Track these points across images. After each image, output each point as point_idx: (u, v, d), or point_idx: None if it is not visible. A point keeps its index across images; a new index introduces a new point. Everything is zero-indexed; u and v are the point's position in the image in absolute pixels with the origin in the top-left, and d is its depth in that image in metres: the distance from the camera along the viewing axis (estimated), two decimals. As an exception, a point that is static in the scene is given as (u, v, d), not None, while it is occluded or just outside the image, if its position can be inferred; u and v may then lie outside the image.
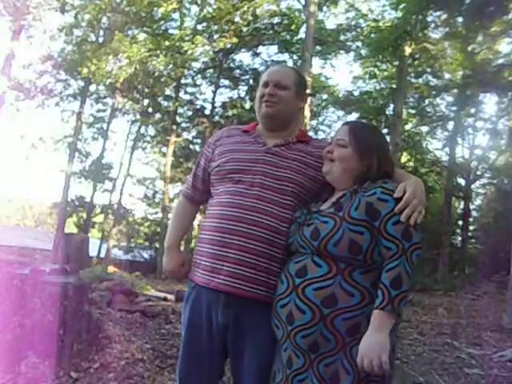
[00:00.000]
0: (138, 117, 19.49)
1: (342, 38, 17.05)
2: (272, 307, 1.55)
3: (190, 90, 19.66)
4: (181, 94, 18.93)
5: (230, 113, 18.51)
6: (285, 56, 18.32)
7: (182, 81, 18.33)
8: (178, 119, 19.45)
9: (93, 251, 14.21)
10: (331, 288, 1.42)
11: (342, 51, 17.63)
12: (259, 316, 1.59)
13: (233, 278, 1.56)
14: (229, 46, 14.88)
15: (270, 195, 1.62)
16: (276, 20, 16.85)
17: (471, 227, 18.52)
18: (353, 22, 16.73)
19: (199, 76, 18.99)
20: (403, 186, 1.46)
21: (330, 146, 1.64)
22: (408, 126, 18.33)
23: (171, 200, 19.95)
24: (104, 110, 19.93)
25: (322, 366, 1.42)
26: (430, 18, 12.17)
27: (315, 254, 1.48)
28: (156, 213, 21.59)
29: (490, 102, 16.80)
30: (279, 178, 1.64)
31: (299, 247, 1.53)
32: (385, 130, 17.45)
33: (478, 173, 17.59)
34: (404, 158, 17.98)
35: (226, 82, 19.40)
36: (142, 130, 20.36)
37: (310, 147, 1.75)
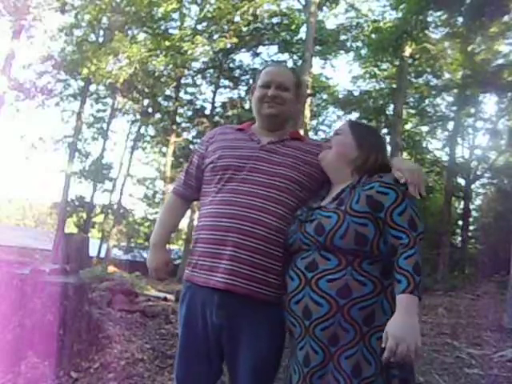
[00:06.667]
0: (138, 117, 19.48)
1: (342, 38, 17.03)
2: (284, 306, 1.54)
3: (190, 90, 19.64)
4: (181, 94, 18.91)
5: (229, 113, 18.47)
6: (285, 56, 18.30)
7: (182, 81, 18.32)
8: (178, 119, 19.42)
9: (93, 251, 14.20)
10: (344, 279, 1.42)
11: (341, 51, 17.62)
12: (253, 315, 1.58)
13: (229, 274, 1.56)
14: (229, 46, 14.89)
15: (264, 191, 1.61)
16: (276, 20, 16.84)
17: (471, 227, 18.46)
18: (353, 22, 16.73)
19: (199, 76, 18.96)
20: (398, 171, 1.52)
21: (330, 138, 1.72)
22: (408, 126, 18.30)
23: (171, 200, 19.89)
24: (104, 110, 19.96)
25: (342, 358, 1.40)
26: (430, 18, 12.12)
27: (321, 249, 1.48)
28: (156, 213, 21.55)
29: (490, 102, 16.78)
30: (273, 174, 1.64)
31: (303, 245, 1.53)
32: (385, 130, 17.46)
33: (478, 173, 17.53)
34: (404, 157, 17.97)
35: (226, 82, 19.38)
36: (142, 130, 20.38)
37: (306, 145, 1.77)
